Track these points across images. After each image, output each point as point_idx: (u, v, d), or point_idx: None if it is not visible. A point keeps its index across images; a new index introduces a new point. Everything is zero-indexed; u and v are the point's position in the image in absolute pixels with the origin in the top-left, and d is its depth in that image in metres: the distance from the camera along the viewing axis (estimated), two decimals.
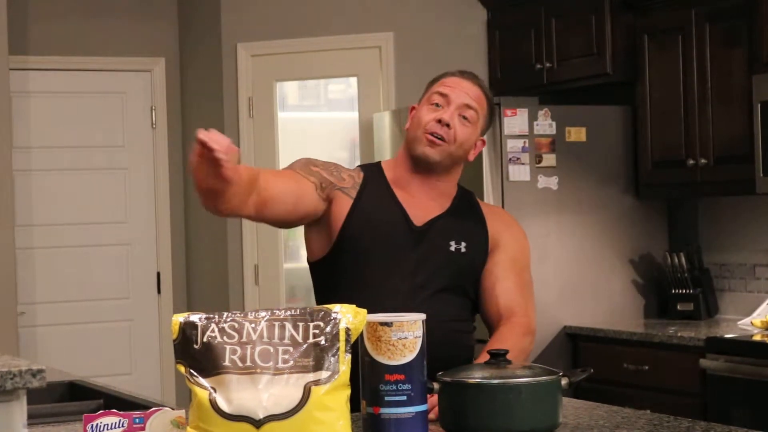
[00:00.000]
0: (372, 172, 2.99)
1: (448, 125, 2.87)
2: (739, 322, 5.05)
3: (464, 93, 2.91)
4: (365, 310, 2.23)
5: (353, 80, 6.40)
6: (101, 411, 2.32)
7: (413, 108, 2.98)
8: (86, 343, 6.67)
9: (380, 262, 2.88)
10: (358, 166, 3.06)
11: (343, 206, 2.90)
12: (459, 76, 2.96)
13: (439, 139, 2.88)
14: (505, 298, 2.94)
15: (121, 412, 2.32)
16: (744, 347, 4.58)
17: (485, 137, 3.02)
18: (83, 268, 6.71)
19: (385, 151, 5.67)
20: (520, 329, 2.92)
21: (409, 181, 2.95)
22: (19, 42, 6.45)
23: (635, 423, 2.53)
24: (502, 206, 5.25)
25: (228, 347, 2.14)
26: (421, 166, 2.92)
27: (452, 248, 2.92)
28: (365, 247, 2.88)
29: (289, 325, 2.17)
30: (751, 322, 4.94)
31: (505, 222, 3.05)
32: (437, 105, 2.91)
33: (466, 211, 2.99)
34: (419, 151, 2.90)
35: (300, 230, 3.04)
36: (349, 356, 2.15)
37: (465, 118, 2.90)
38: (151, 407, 2.39)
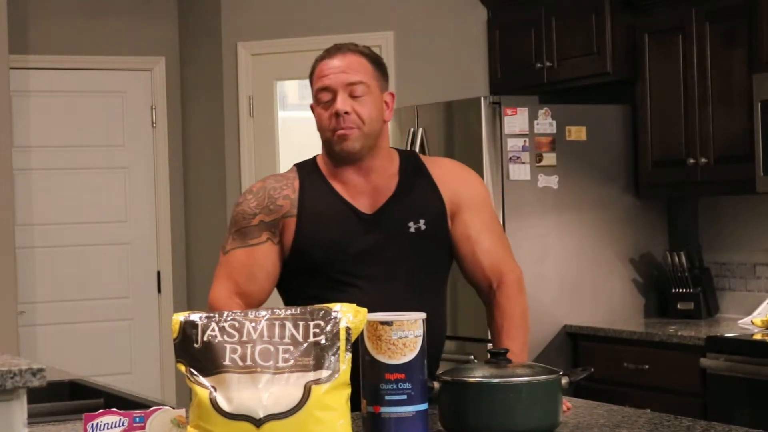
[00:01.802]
0: (308, 172, 2.91)
1: (347, 112, 2.79)
2: (740, 321, 5.05)
3: (341, 73, 2.81)
4: (365, 309, 2.23)
5: None
6: (101, 410, 2.32)
7: (312, 106, 2.89)
8: (86, 342, 6.67)
9: (338, 264, 2.81)
10: (294, 165, 2.97)
11: (289, 229, 2.84)
12: (329, 57, 2.85)
13: (348, 129, 2.79)
14: (488, 260, 2.90)
15: (122, 411, 2.32)
16: (744, 346, 4.58)
17: (391, 90, 2.91)
18: (83, 268, 6.71)
19: None
20: (514, 289, 2.89)
21: (345, 174, 2.86)
22: (20, 41, 6.45)
23: (635, 422, 2.53)
24: (503, 206, 5.25)
25: (228, 346, 2.14)
26: (348, 160, 2.84)
27: (412, 229, 2.85)
28: (319, 256, 2.82)
29: (289, 325, 2.17)
30: (752, 321, 4.93)
31: (457, 176, 2.96)
32: (326, 102, 2.82)
33: (415, 181, 2.89)
34: (337, 150, 2.82)
35: None
36: (349, 355, 2.15)
37: (356, 95, 2.81)
38: (151, 406, 2.39)
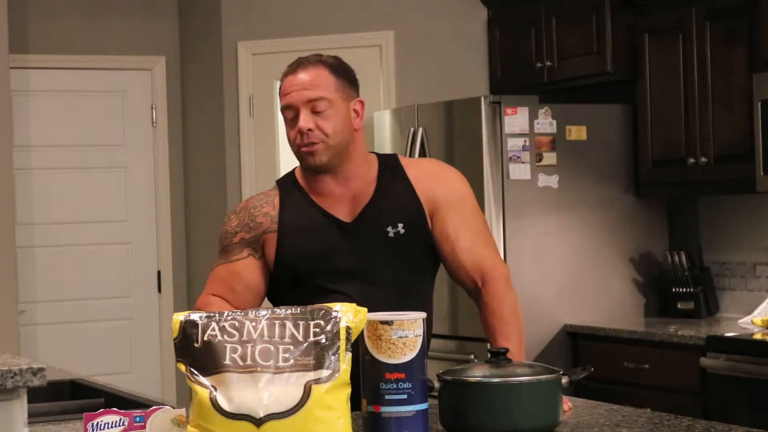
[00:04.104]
0: (287, 186, 2.95)
1: (309, 129, 2.82)
2: (740, 321, 5.05)
3: (302, 90, 2.83)
4: (365, 309, 2.23)
5: None
6: (102, 410, 2.32)
7: None
8: (87, 341, 6.67)
9: (322, 274, 2.85)
10: (276, 181, 3.01)
11: (271, 243, 2.89)
12: (292, 73, 2.88)
13: (310, 146, 2.83)
14: (469, 259, 2.90)
15: (122, 411, 2.32)
16: (744, 346, 4.58)
17: (360, 97, 2.93)
18: (84, 267, 6.71)
19: (386, 150, 5.67)
20: (500, 287, 2.88)
21: (322, 185, 2.90)
22: (20, 40, 6.45)
23: (635, 421, 2.53)
24: (503, 206, 5.25)
25: (228, 346, 2.14)
26: (320, 172, 2.88)
27: (391, 233, 2.87)
28: (302, 267, 2.86)
29: (289, 324, 2.17)
30: (752, 321, 4.93)
31: (435, 176, 2.96)
32: (291, 119, 2.85)
33: (393, 186, 2.92)
34: (306, 165, 2.88)
35: None
36: (349, 355, 2.16)
37: (318, 111, 2.83)
38: (151, 406, 2.39)
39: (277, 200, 2.93)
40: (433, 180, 2.95)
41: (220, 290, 2.92)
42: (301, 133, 2.83)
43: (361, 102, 2.94)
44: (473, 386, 2.33)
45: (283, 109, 2.87)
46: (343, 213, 2.89)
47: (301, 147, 2.84)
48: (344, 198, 2.90)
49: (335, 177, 2.89)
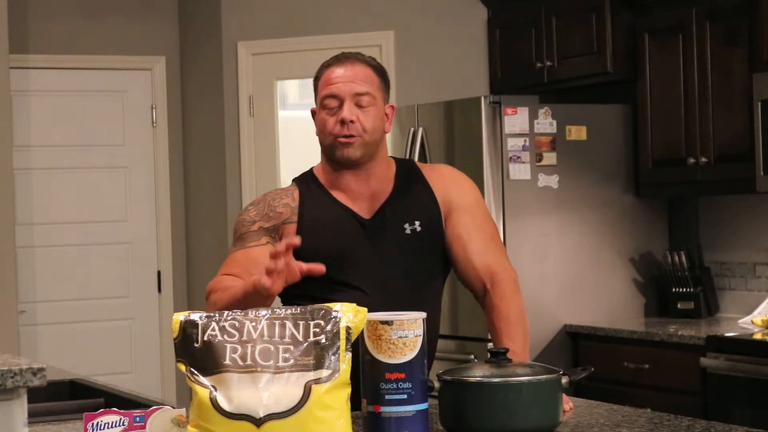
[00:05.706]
0: (306, 183, 2.98)
1: (352, 121, 2.85)
2: (740, 321, 5.05)
3: (350, 83, 2.88)
4: (365, 309, 2.23)
5: None
6: (102, 410, 2.32)
7: (314, 111, 2.95)
8: (87, 341, 6.67)
9: (339, 267, 2.85)
10: (293, 179, 3.04)
11: (289, 235, 2.88)
12: (337, 65, 2.92)
13: (349, 137, 2.86)
14: (479, 260, 2.93)
15: (122, 411, 2.32)
16: (744, 346, 4.58)
17: (392, 102, 3.01)
18: (84, 267, 6.71)
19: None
20: (508, 289, 2.91)
21: (342, 181, 2.93)
22: (20, 40, 6.45)
23: (635, 421, 2.53)
24: (503, 206, 5.26)
25: (228, 346, 2.14)
26: (347, 166, 2.91)
27: (407, 230, 2.91)
28: (319, 260, 2.79)
29: (289, 324, 2.17)
30: (752, 321, 4.93)
31: (450, 180, 3.02)
32: (332, 108, 2.88)
33: (410, 185, 2.97)
34: (338, 155, 2.89)
35: None
36: (349, 355, 2.16)
37: (362, 106, 2.87)
38: (151, 406, 2.39)
39: (296, 193, 2.96)
40: (449, 183, 3.01)
41: (236, 271, 2.89)
42: (342, 123, 2.86)
43: (392, 107, 2.99)
44: (473, 386, 2.33)
45: (325, 98, 2.89)
46: (362, 209, 2.93)
47: (338, 137, 2.87)
48: (363, 195, 2.93)
49: (357, 174, 2.92)
